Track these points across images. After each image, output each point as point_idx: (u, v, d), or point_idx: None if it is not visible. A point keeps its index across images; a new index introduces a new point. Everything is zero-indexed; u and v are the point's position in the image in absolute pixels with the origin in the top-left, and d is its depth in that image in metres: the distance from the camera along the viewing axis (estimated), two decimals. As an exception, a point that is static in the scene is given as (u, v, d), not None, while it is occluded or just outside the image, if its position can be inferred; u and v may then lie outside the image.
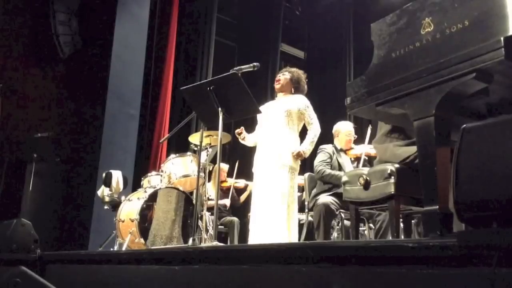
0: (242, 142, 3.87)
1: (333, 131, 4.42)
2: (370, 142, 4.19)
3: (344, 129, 4.35)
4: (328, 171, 4.04)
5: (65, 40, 6.06)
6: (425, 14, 1.93)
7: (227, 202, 5.68)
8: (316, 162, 4.13)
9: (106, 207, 4.79)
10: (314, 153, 4.21)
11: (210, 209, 4.68)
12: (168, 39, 6.85)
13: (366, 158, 4.25)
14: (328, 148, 4.25)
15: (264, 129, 3.74)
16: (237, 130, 3.79)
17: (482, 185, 1.30)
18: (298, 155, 3.60)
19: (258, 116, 3.75)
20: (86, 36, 6.27)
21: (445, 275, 1.30)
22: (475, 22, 1.75)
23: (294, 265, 1.70)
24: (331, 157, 4.19)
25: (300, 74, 3.87)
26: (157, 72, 6.79)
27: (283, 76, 3.82)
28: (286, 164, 3.56)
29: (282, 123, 3.65)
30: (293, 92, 3.82)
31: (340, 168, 4.13)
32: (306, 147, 3.67)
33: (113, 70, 5.93)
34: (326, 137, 4.54)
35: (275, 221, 3.44)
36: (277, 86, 3.82)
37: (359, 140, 4.50)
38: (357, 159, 4.30)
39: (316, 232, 3.84)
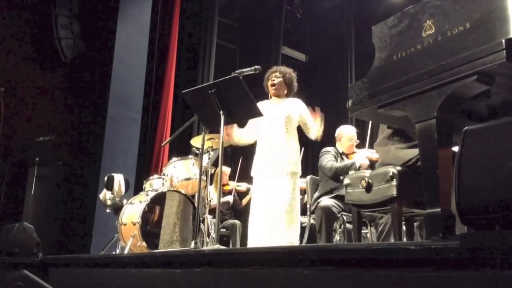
0: (235, 141, 3.75)
1: (335, 135, 4.40)
2: (370, 147, 4.19)
3: (346, 133, 4.33)
4: (337, 164, 4.03)
5: (67, 43, 6.08)
6: (426, 17, 1.93)
7: (230, 198, 5.67)
8: (324, 162, 4.10)
9: (108, 210, 4.79)
10: (316, 156, 4.21)
11: (212, 210, 4.67)
12: (169, 42, 6.86)
13: (368, 162, 4.24)
14: (331, 150, 4.24)
15: (264, 134, 3.71)
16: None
17: (484, 187, 1.30)
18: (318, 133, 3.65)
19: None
20: (88, 40, 6.29)
21: (448, 277, 1.29)
22: (476, 24, 1.75)
23: (296, 268, 1.69)
24: (335, 157, 4.18)
25: (292, 74, 3.82)
26: (159, 75, 6.80)
27: (277, 79, 3.75)
28: (288, 171, 3.58)
29: (282, 129, 3.64)
30: (286, 94, 3.79)
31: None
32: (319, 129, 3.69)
33: (115, 74, 5.94)
34: (327, 140, 4.54)
35: (279, 224, 3.46)
36: (273, 91, 3.75)
37: (361, 145, 4.49)
38: (358, 162, 4.29)
39: (318, 235, 3.83)
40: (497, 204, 1.25)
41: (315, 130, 3.69)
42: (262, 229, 3.48)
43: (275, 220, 3.47)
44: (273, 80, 3.76)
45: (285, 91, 3.79)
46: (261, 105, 3.72)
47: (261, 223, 3.51)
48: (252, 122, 3.76)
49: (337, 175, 4.01)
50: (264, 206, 3.53)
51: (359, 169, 3.89)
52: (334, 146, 4.37)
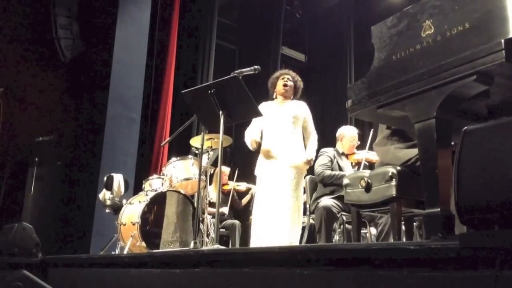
0: (249, 143, 3.84)
1: (337, 135, 4.41)
2: (370, 148, 4.21)
3: (348, 133, 4.35)
4: (328, 172, 4.05)
5: (66, 44, 6.07)
6: (425, 17, 1.93)
7: (225, 210, 5.64)
8: (317, 165, 4.14)
9: (107, 210, 4.79)
10: (315, 157, 4.21)
11: (210, 214, 4.69)
12: (169, 42, 6.86)
13: (367, 164, 4.25)
14: (329, 151, 4.25)
15: (270, 133, 3.76)
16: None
17: (483, 187, 1.30)
18: (308, 163, 3.75)
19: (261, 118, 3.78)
20: (87, 40, 6.28)
21: (447, 277, 1.29)
22: (475, 24, 1.75)
23: (295, 268, 1.69)
24: (332, 161, 4.19)
25: (301, 82, 4.00)
26: (158, 75, 6.80)
27: (289, 82, 3.89)
28: (295, 169, 3.66)
29: (289, 128, 3.74)
30: (292, 97, 3.93)
31: (340, 171, 4.13)
32: (313, 154, 3.84)
33: (114, 74, 5.94)
34: (326, 140, 4.55)
35: (283, 223, 3.49)
36: (284, 91, 3.87)
37: (361, 146, 4.50)
38: (358, 164, 4.30)
39: (318, 235, 3.84)
40: (496, 204, 1.25)
41: (312, 150, 3.82)
42: (264, 228, 3.51)
43: (279, 220, 3.49)
44: (287, 82, 3.89)
45: (292, 95, 3.93)
46: (267, 105, 3.81)
47: (264, 222, 3.53)
48: (257, 122, 3.84)
49: (323, 182, 4.06)
50: (268, 205, 3.56)
51: None
52: (334, 146, 4.37)
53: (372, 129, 4.38)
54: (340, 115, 7.34)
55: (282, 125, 3.74)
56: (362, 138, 4.88)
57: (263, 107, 3.73)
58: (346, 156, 4.31)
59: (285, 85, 3.87)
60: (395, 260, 1.42)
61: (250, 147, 3.83)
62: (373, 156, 4.10)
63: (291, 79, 3.91)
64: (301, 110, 3.85)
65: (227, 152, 7.43)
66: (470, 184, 1.34)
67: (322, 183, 4.08)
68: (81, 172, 5.89)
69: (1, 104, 5.56)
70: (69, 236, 5.61)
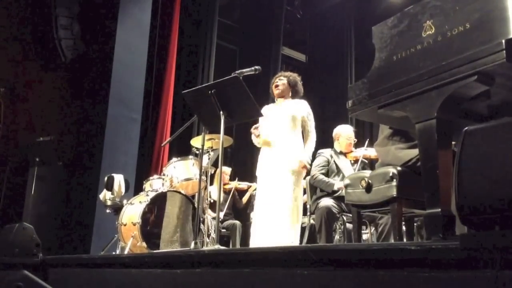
0: (255, 139, 3.78)
1: (333, 135, 4.42)
2: (368, 146, 4.23)
3: (344, 132, 4.36)
4: (320, 176, 4.07)
5: (67, 44, 6.08)
6: (426, 17, 1.93)
7: (221, 214, 5.62)
8: (313, 166, 4.15)
9: (108, 210, 4.79)
10: (313, 157, 4.22)
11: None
12: (169, 42, 6.86)
13: (366, 161, 4.26)
14: (326, 152, 4.26)
15: (268, 134, 3.75)
16: (254, 127, 3.74)
17: (484, 188, 1.30)
18: (304, 168, 3.68)
19: (261, 119, 3.76)
20: (88, 40, 6.28)
21: (448, 278, 1.29)
22: (476, 24, 1.75)
23: (296, 268, 1.69)
24: (328, 162, 4.20)
25: (296, 77, 3.90)
26: (159, 75, 6.81)
27: (280, 81, 3.83)
28: (293, 168, 3.62)
29: (287, 128, 3.70)
30: (291, 95, 3.85)
31: (338, 171, 4.15)
32: (309, 157, 3.77)
33: (115, 74, 5.94)
34: (326, 140, 4.55)
35: (282, 224, 3.48)
36: (276, 92, 3.83)
37: (360, 143, 4.51)
38: (356, 161, 4.31)
39: (318, 235, 3.84)
40: (497, 204, 1.25)
41: (308, 153, 3.74)
42: (264, 229, 3.51)
43: (279, 220, 3.49)
44: (277, 82, 3.85)
45: (290, 93, 3.85)
46: (267, 107, 3.81)
47: (264, 223, 3.53)
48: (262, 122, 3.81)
49: (315, 186, 4.09)
50: (267, 206, 3.56)
51: (335, 192, 3.94)
52: (332, 146, 4.38)
53: (368, 139, 4.41)
54: (340, 115, 7.34)
55: (280, 125, 3.71)
56: (363, 135, 4.89)
57: (263, 111, 3.71)
58: (345, 154, 4.32)
59: (276, 86, 3.83)
60: (395, 260, 1.42)
61: (256, 141, 3.78)
62: (371, 152, 4.13)
63: (282, 78, 3.85)
64: (300, 109, 3.77)
65: (228, 153, 7.43)
66: (470, 185, 1.34)
67: (314, 185, 4.13)
68: (81, 172, 5.89)
69: (2, 104, 5.57)
70: (69, 236, 5.61)
